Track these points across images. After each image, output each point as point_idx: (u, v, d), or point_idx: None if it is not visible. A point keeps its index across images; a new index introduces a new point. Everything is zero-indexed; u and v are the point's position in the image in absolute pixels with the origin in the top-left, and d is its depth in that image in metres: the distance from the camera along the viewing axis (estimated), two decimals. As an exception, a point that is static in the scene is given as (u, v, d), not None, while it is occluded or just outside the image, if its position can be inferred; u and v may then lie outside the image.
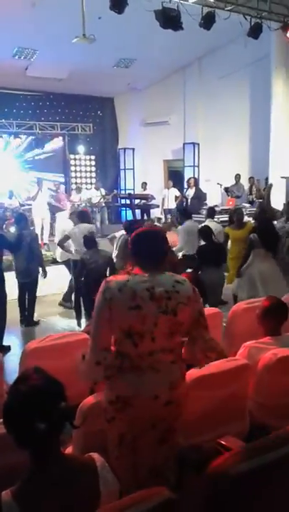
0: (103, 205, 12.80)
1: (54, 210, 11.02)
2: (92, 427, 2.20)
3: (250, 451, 1.58)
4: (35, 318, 6.60)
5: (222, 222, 8.88)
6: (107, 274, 5.47)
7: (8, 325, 6.49)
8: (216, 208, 10.58)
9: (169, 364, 2.13)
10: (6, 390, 3.16)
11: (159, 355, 2.10)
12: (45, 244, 10.27)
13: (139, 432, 2.11)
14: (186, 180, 12.89)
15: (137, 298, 2.05)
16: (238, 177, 12.00)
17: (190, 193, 12.07)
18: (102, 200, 12.72)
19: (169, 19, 7.34)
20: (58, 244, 7.06)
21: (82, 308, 6.13)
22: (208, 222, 7.21)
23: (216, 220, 8.06)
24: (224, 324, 3.85)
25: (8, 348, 5.42)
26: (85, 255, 5.96)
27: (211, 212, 7.94)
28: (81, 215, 6.97)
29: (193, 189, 12.00)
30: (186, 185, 12.79)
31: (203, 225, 6.89)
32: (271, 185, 9.98)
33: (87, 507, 1.41)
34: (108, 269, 5.76)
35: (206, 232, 6.23)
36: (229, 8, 8.04)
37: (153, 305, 2.06)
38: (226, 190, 11.82)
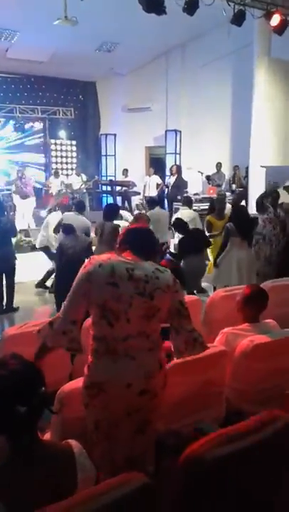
0: (84, 191, 12.70)
1: (21, 195, 10.84)
2: (71, 413, 2.21)
3: (226, 436, 1.61)
4: (14, 305, 6.55)
5: (202, 210, 8.92)
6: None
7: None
8: (197, 197, 10.63)
9: (146, 352, 2.14)
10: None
11: (135, 340, 2.11)
12: (24, 230, 10.17)
13: (114, 420, 2.12)
14: (168, 167, 12.87)
15: (115, 275, 2.09)
16: (219, 165, 12.03)
17: (171, 180, 12.07)
18: (83, 186, 12.62)
19: (152, 3, 7.21)
20: (54, 232, 6.95)
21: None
22: (181, 210, 7.24)
23: (195, 208, 8.11)
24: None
25: None
26: (63, 241, 5.97)
27: (188, 201, 7.93)
28: (79, 206, 6.99)
29: (175, 177, 12.00)
30: (168, 173, 12.77)
31: (174, 218, 6.96)
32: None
33: (64, 492, 1.41)
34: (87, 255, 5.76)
35: (178, 225, 6.30)
36: (213, -6, 7.95)
37: (130, 285, 2.09)
38: (208, 178, 11.86)
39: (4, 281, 6.45)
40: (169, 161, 13.36)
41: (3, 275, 6.43)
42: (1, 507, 1.35)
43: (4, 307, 6.47)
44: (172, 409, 2.48)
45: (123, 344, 2.10)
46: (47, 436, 2.35)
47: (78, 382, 2.30)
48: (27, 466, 1.44)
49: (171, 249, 7.21)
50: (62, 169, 13.90)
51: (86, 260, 2.18)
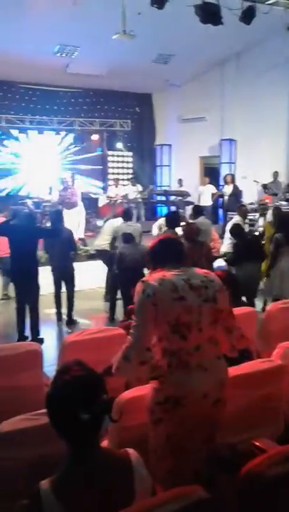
0: (139, 201, 12.84)
1: (66, 206, 10.15)
2: (128, 422, 2.23)
3: (286, 454, 1.57)
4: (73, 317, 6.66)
5: (251, 220, 8.84)
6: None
7: (43, 318, 6.65)
8: (252, 206, 10.46)
9: (216, 361, 2.15)
10: (47, 382, 3.25)
11: (206, 348, 2.11)
12: (80, 239, 10.40)
13: (187, 432, 2.10)
14: (222, 177, 12.78)
15: (178, 289, 2.09)
16: (275, 174, 11.80)
17: (227, 190, 11.98)
18: (138, 196, 12.77)
19: (209, 14, 7.28)
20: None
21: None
22: (201, 220, 7.14)
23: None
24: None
25: (41, 341, 5.53)
26: (123, 249, 6.12)
27: (199, 211, 7.76)
28: (126, 214, 7.12)
29: (231, 186, 11.89)
30: (222, 182, 12.67)
31: (232, 223, 6.93)
32: None
33: (122, 501, 1.43)
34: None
35: (235, 231, 6.29)
36: (271, 1, 7.90)
37: (194, 294, 2.10)
38: (264, 187, 11.64)
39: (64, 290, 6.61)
40: (224, 171, 13.26)
41: (62, 284, 6.61)
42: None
43: (67, 318, 6.61)
44: (228, 423, 2.44)
45: (195, 355, 2.10)
46: (104, 444, 2.39)
47: (136, 391, 2.33)
48: (87, 473, 1.46)
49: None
50: (118, 179, 14.14)
51: (139, 282, 2.14)
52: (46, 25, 9.32)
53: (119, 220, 7.03)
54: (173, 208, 12.55)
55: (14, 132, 13.04)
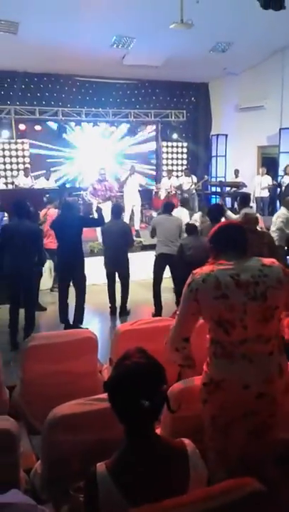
0: (193, 192, 12.74)
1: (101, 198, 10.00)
2: (181, 412, 2.22)
3: None
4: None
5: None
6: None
7: (98, 308, 6.81)
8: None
9: (266, 356, 2.09)
10: (100, 368, 3.31)
11: (254, 344, 2.07)
12: (136, 230, 10.48)
13: (231, 419, 2.11)
14: (281, 167, 12.40)
15: (221, 286, 2.04)
16: None
17: (286, 180, 11.59)
18: (192, 187, 12.67)
19: (270, -1, 7.02)
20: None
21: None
22: (247, 210, 6.89)
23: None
24: None
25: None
26: (184, 241, 6.08)
27: (244, 201, 7.49)
28: (166, 207, 7.01)
29: (290, 176, 11.50)
30: (281, 173, 12.31)
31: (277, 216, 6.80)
32: None
33: (176, 489, 1.43)
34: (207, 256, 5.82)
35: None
36: None
37: (240, 292, 2.04)
38: None
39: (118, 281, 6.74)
40: (283, 161, 12.85)
41: (117, 275, 6.73)
42: (121, 497, 1.41)
43: (120, 308, 6.77)
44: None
45: (240, 348, 2.08)
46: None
47: (189, 382, 2.32)
48: (143, 459, 1.47)
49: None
50: (172, 171, 14.08)
51: (190, 274, 2.16)
52: (102, 18, 9.37)
53: (180, 211, 7.05)
54: (228, 200, 12.38)
55: (70, 124, 13.30)
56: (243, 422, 2.10)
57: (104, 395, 2.05)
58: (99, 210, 6.80)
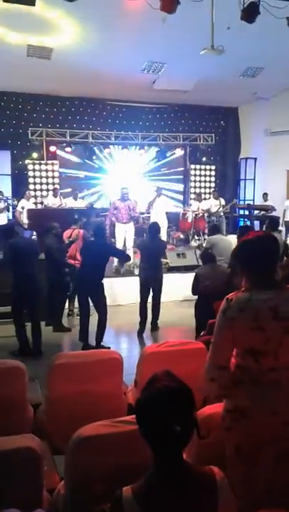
0: (221, 214, 12.71)
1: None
2: (207, 438, 2.18)
3: None
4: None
5: None
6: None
7: (123, 328, 6.81)
8: None
9: None
10: (124, 390, 3.28)
11: (284, 372, 2.02)
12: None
13: (257, 446, 2.04)
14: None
15: (259, 319, 1.98)
16: None
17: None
18: (220, 209, 12.65)
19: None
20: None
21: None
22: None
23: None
24: None
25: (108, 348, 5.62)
26: (200, 270, 5.89)
27: (272, 225, 7.38)
28: (213, 229, 7.24)
29: None
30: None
31: None
32: None
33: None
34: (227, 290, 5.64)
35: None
36: None
37: (277, 326, 1.98)
38: None
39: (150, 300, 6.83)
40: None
41: (151, 292, 6.82)
42: None
43: (152, 324, 6.86)
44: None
45: (269, 375, 2.02)
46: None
47: (214, 408, 2.28)
48: (171, 486, 1.43)
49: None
50: (201, 193, 14.12)
51: (224, 300, 2.08)
52: (134, 43, 9.60)
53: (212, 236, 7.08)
54: (256, 223, 12.29)
55: (100, 147, 13.54)
56: (270, 449, 2.03)
57: (130, 417, 2.04)
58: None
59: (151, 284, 6.78)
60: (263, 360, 2.01)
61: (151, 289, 6.81)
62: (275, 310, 1.99)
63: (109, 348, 5.56)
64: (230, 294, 2.10)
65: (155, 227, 7.15)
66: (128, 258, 6.81)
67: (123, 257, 6.69)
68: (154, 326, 6.85)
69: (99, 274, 5.97)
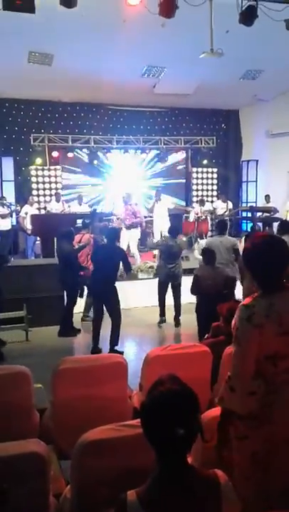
0: (226, 217, 12.72)
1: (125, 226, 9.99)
2: (212, 441, 2.19)
3: None
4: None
5: None
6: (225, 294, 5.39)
7: (129, 333, 6.84)
8: None
9: None
10: (129, 394, 3.29)
11: None
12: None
13: (274, 448, 2.02)
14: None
15: (283, 323, 1.96)
16: None
17: None
18: (227, 213, 12.67)
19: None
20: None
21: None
22: (286, 238, 6.73)
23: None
24: None
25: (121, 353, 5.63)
26: (200, 271, 5.88)
27: (284, 227, 7.28)
28: (220, 227, 7.37)
29: None
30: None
31: None
32: None
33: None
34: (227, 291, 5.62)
35: None
36: None
37: None
38: None
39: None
40: (315, 186, 12.74)
41: (172, 290, 7.24)
42: None
43: (175, 321, 7.30)
44: None
45: (283, 376, 2.02)
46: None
47: (218, 411, 2.28)
48: (175, 489, 1.44)
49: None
50: (202, 196, 14.13)
51: (241, 305, 2.01)
52: (134, 49, 9.63)
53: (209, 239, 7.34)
54: (259, 225, 12.29)
55: (102, 151, 13.57)
56: (286, 450, 2.00)
57: (135, 421, 2.05)
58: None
59: (171, 280, 7.20)
60: (280, 363, 2.00)
61: (170, 286, 7.26)
62: None
63: (122, 352, 5.53)
64: (246, 300, 2.04)
65: (176, 228, 7.97)
66: (130, 270, 6.96)
67: (128, 267, 6.77)
68: (177, 322, 7.29)
69: (112, 277, 6.05)
